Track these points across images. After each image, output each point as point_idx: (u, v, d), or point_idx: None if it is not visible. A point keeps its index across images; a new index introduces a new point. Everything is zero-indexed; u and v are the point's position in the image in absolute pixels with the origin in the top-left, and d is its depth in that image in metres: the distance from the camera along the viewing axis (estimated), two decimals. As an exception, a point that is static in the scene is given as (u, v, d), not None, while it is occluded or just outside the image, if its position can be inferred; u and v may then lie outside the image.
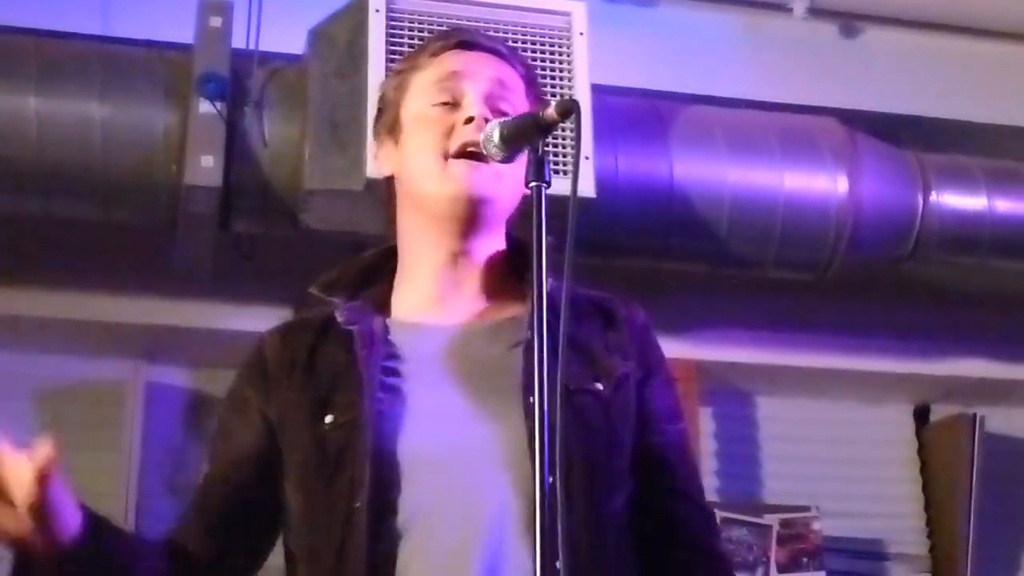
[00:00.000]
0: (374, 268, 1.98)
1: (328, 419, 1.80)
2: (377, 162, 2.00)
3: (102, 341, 3.85)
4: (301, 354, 1.88)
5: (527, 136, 1.74)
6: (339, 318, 1.88)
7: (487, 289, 1.91)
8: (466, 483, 1.74)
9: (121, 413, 3.86)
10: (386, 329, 1.87)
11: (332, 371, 1.85)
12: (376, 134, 2.00)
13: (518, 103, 1.92)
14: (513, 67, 1.96)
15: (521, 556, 1.65)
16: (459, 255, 1.89)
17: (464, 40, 1.97)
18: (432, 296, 1.89)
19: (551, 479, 1.56)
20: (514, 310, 1.88)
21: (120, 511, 3.77)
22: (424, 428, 1.78)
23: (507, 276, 1.92)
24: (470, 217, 1.86)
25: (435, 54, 1.95)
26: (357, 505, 1.73)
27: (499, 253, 1.93)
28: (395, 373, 1.83)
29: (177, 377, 4.00)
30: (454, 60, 1.93)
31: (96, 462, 3.82)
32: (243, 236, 3.55)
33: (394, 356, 1.84)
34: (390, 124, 1.95)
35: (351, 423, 1.78)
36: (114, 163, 3.29)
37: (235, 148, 3.30)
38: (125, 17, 3.67)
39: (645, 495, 1.87)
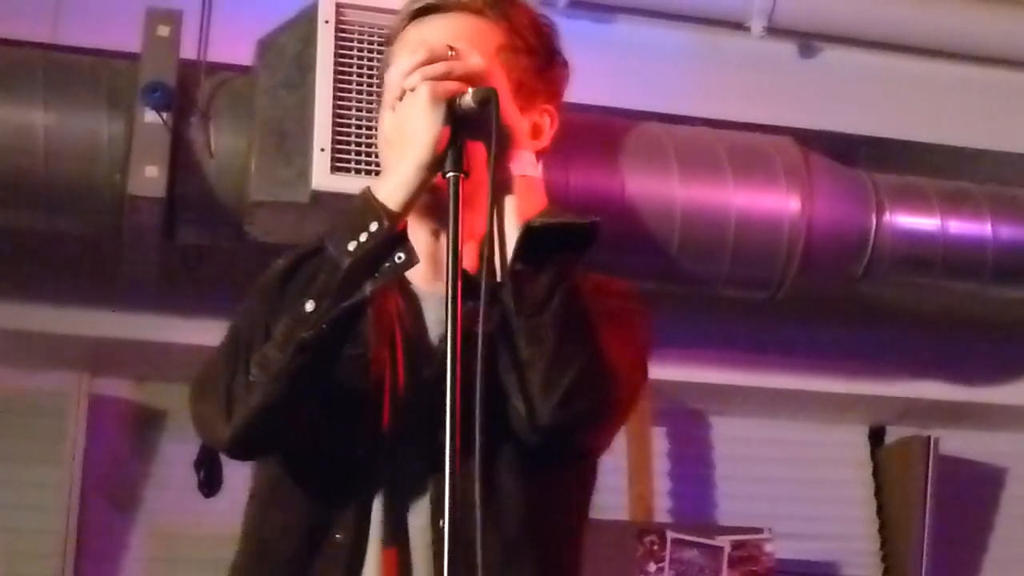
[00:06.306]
0: None
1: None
2: None
3: (45, 352, 3.81)
4: None
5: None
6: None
7: None
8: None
9: (64, 425, 3.82)
10: None
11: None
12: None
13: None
14: (484, 17, 1.84)
15: None
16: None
17: (420, 7, 1.86)
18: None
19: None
20: None
21: (62, 524, 3.75)
22: None
23: None
24: None
25: (400, 28, 1.87)
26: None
27: None
28: None
29: (121, 389, 3.97)
30: (411, 32, 1.85)
31: (39, 475, 3.81)
32: (189, 247, 3.52)
33: None
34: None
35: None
36: (58, 172, 3.24)
37: (180, 158, 3.26)
38: (75, 25, 3.61)
39: None
